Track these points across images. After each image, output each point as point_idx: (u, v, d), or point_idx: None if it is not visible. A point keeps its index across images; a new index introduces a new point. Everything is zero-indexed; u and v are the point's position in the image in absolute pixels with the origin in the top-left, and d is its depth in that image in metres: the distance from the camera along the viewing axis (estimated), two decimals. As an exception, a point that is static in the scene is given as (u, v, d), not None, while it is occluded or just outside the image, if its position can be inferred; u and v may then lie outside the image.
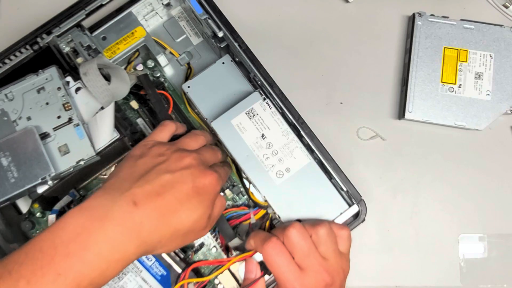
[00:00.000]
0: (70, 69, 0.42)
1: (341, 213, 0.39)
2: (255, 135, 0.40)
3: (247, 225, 0.42)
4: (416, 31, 0.50)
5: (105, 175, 0.44)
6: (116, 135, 0.40)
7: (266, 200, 0.40)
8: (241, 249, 0.41)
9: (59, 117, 0.39)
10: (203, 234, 0.35)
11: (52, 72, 0.41)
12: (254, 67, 0.41)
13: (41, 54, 0.43)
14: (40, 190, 0.38)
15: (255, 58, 0.41)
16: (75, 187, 0.42)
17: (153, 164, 0.34)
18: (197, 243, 0.42)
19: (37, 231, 0.43)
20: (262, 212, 0.41)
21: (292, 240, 0.35)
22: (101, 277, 0.29)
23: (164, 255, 0.39)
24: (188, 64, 0.47)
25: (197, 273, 0.41)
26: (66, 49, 0.42)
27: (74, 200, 0.42)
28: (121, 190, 0.31)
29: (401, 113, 0.49)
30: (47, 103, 0.40)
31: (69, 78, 0.41)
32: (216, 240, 0.42)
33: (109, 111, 0.39)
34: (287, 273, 0.34)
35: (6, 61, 0.43)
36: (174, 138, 0.39)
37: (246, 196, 0.44)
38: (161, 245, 0.32)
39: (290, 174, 0.40)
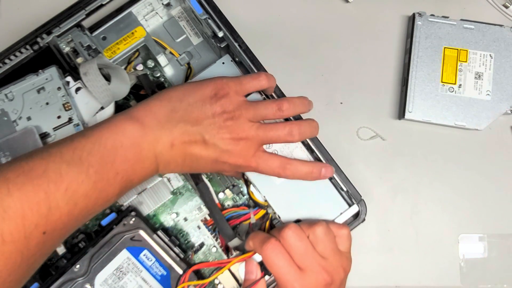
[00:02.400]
0: (70, 69, 0.42)
1: (341, 213, 0.39)
2: (255, 135, 0.40)
3: (247, 225, 0.42)
4: (416, 31, 0.50)
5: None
6: (116, 135, 0.40)
7: (266, 200, 0.40)
8: (241, 249, 0.41)
9: (59, 117, 0.40)
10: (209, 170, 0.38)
11: (52, 72, 0.41)
12: (254, 67, 0.41)
13: (41, 54, 0.43)
14: (40, 190, 0.38)
15: (255, 58, 0.41)
16: (75, 187, 0.42)
17: (213, 121, 0.35)
18: (197, 243, 0.42)
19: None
20: (262, 212, 0.41)
21: (288, 241, 0.35)
22: (138, 180, 0.34)
23: (165, 255, 0.39)
24: (188, 64, 0.47)
25: (197, 273, 0.41)
26: (66, 49, 0.42)
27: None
28: (174, 123, 0.35)
29: (401, 113, 0.49)
30: (47, 103, 0.40)
31: (69, 78, 0.41)
32: (216, 240, 0.42)
33: (109, 111, 0.39)
34: (287, 274, 0.34)
35: (6, 61, 0.43)
36: None
37: (246, 196, 0.44)
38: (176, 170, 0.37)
39: (290, 174, 0.40)
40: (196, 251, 0.42)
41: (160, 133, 0.34)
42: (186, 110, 0.35)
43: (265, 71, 0.41)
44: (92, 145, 0.31)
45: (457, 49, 0.49)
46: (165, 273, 0.40)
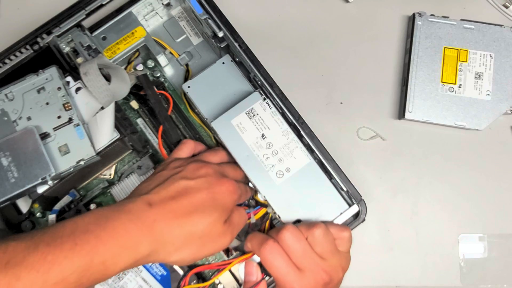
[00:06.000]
0: (70, 69, 0.42)
1: (341, 213, 0.39)
2: (255, 135, 0.40)
3: (246, 225, 0.42)
4: (416, 31, 0.50)
5: (105, 175, 0.44)
6: (116, 135, 0.40)
7: (266, 200, 0.40)
8: (240, 249, 0.41)
9: (59, 117, 0.39)
10: (223, 244, 0.35)
11: (52, 72, 0.41)
12: (254, 67, 0.41)
13: (41, 54, 0.43)
14: (40, 190, 0.38)
15: (255, 58, 0.41)
16: (75, 187, 0.42)
17: (170, 174, 0.35)
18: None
19: (37, 231, 0.43)
20: (262, 211, 0.41)
21: (286, 243, 0.35)
22: (113, 261, 0.30)
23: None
24: (187, 65, 0.47)
25: (197, 273, 0.41)
26: (66, 49, 0.42)
27: (74, 200, 0.42)
28: (139, 195, 0.33)
29: (401, 113, 0.49)
30: (47, 103, 0.40)
31: (69, 78, 0.41)
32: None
33: (109, 111, 0.39)
34: (285, 274, 0.34)
35: (6, 61, 0.43)
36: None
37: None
38: (175, 248, 0.32)
39: (290, 174, 0.40)
40: (196, 251, 0.42)
41: (130, 201, 0.32)
42: (148, 185, 0.35)
43: (265, 71, 0.41)
44: (48, 228, 0.29)
45: (457, 49, 0.49)
46: (165, 273, 0.40)
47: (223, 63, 0.43)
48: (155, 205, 0.32)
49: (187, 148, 0.40)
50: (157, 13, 0.48)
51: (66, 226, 0.30)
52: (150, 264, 0.39)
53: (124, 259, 0.30)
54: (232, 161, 0.41)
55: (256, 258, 0.38)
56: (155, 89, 0.44)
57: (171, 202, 0.33)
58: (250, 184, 0.41)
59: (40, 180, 0.37)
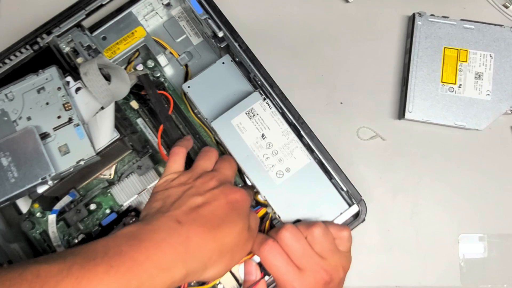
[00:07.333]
0: (70, 69, 0.42)
1: (341, 213, 0.39)
2: (255, 135, 0.40)
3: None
4: (416, 31, 0.50)
5: (105, 175, 0.44)
6: (116, 135, 0.40)
7: (266, 200, 0.40)
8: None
9: (59, 117, 0.40)
10: (247, 249, 0.35)
11: (52, 72, 0.41)
12: (254, 67, 0.41)
13: (41, 54, 0.43)
14: (40, 190, 0.38)
15: (255, 58, 0.41)
16: (75, 187, 0.42)
17: (182, 191, 0.35)
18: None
19: (37, 231, 0.43)
20: (262, 211, 0.41)
21: (285, 242, 0.35)
22: (150, 283, 0.28)
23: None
24: (186, 66, 0.47)
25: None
26: (66, 49, 0.42)
27: (74, 200, 0.42)
28: (161, 213, 0.33)
29: (401, 113, 0.49)
30: (47, 103, 0.40)
31: (69, 78, 0.41)
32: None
33: (109, 111, 0.39)
34: (285, 274, 0.34)
35: (6, 61, 0.43)
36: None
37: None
38: (211, 263, 0.32)
39: (290, 174, 0.40)
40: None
41: (155, 219, 0.32)
42: (162, 203, 0.34)
43: (265, 71, 0.41)
44: (79, 250, 0.29)
45: (457, 49, 0.49)
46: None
47: (223, 63, 0.43)
48: (183, 221, 0.32)
49: (179, 158, 0.38)
50: (157, 13, 0.48)
51: (98, 248, 0.29)
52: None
53: (160, 282, 0.29)
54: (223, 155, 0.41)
55: (256, 258, 0.38)
56: (156, 89, 0.44)
57: (197, 216, 0.32)
58: (250, 184, 0.41)
59: (40, 180, 0.37)
